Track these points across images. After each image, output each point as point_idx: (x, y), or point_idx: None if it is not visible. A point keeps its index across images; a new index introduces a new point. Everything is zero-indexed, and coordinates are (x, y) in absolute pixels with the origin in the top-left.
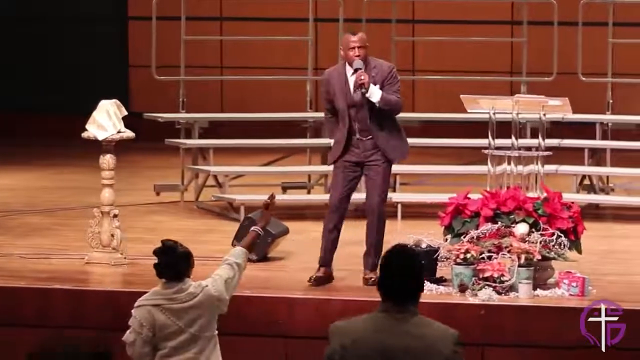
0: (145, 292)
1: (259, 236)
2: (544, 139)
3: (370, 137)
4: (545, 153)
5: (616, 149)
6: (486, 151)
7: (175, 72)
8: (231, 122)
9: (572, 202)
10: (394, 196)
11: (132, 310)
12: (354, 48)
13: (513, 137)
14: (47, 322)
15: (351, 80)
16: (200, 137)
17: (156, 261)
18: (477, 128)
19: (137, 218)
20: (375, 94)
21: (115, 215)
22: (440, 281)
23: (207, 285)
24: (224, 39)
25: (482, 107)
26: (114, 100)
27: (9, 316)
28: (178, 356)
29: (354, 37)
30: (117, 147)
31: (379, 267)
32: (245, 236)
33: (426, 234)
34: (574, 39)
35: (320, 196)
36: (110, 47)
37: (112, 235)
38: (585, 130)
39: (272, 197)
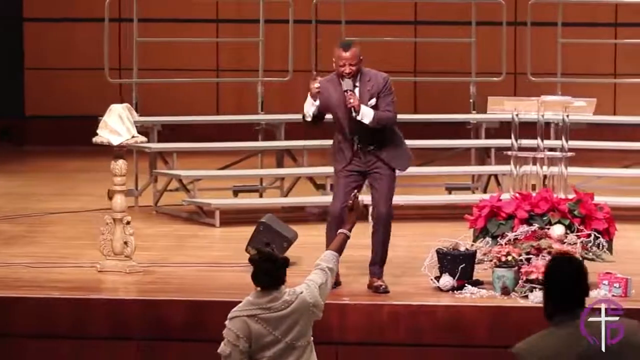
0: (191, 300)
1: (348, 238)
2: (567, 141)
3: (371, 147)
4: (570, 154)
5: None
6: (509, 152)
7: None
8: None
9: (604, 203)
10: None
11: (226, 322)
12: (344, 65)
13: (539, 139)
14: (85, 333)
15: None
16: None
17: (253, 269)
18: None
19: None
20: (366, 115)
21: (128, 222)
22: (478, 284)
23: (302, 292)
24: (174, 40)
25: (505, 109)
26: (125, 104)
27: (45, 328)
28: None
29: (345, 54)
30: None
31: (544, 282)
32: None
33: (462, 237)
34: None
35: (273, 200)
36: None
37: (125, 243)
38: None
39: (355, 196)
